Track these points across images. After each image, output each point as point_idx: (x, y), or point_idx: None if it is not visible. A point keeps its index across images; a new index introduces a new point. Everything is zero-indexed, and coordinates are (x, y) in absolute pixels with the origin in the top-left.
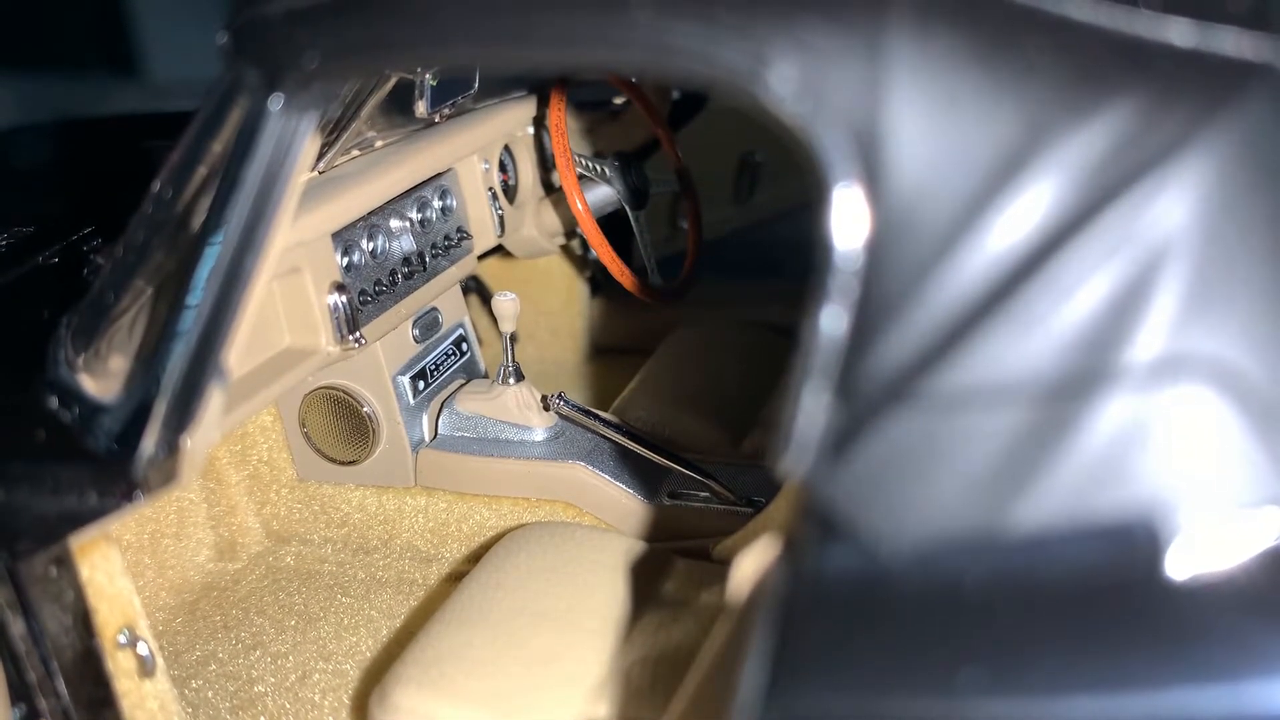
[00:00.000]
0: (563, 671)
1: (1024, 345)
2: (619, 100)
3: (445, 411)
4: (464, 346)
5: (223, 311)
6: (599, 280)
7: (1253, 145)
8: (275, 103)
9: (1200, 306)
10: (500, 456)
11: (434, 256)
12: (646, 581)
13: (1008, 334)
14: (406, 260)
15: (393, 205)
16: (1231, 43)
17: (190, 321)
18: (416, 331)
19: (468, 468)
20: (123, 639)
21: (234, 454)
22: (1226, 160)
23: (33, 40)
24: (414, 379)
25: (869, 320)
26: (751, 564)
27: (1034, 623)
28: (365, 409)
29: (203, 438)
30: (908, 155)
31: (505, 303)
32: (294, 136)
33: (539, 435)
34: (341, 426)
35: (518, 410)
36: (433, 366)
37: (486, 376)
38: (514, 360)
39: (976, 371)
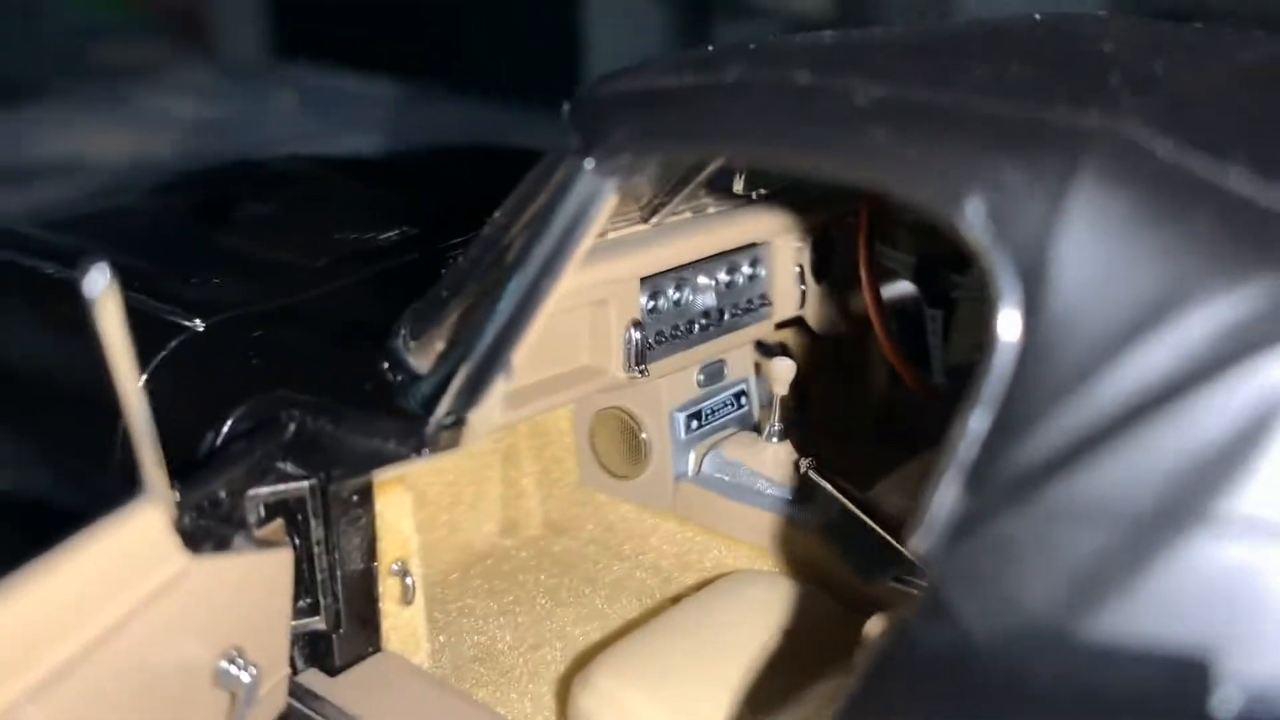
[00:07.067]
0: (730, 695)
1: (1137, 474)
2: None
3: (711, 453)
4: (743, 400)
5: (517, 322)
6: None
7: None
8: (587, 165)
9: (1200, 495)
10: (749, 504)
11: (733, 315)
12: (838, 646)
13: (1126, 461)
14: (706, 314)
15: (704, 264)
16: None
17: (491, 326)
18: (701, 377)
19: (718, 507)
20: (395, 568)
21: (534, 448)
22: None
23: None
24: (689, 418)
25: (1009, 426)
26: (877, 626)
27: None
28: (643, 435)
29: (484, 416)
30: (1067, 291)
31: (779, 365)
32: (596, 196)
33: (787, 493)
34: (621, 445)
35: (773, 467)
36: (709, 410)
37: (759, 431)
38: (780, 421)
39: (1089, 489)
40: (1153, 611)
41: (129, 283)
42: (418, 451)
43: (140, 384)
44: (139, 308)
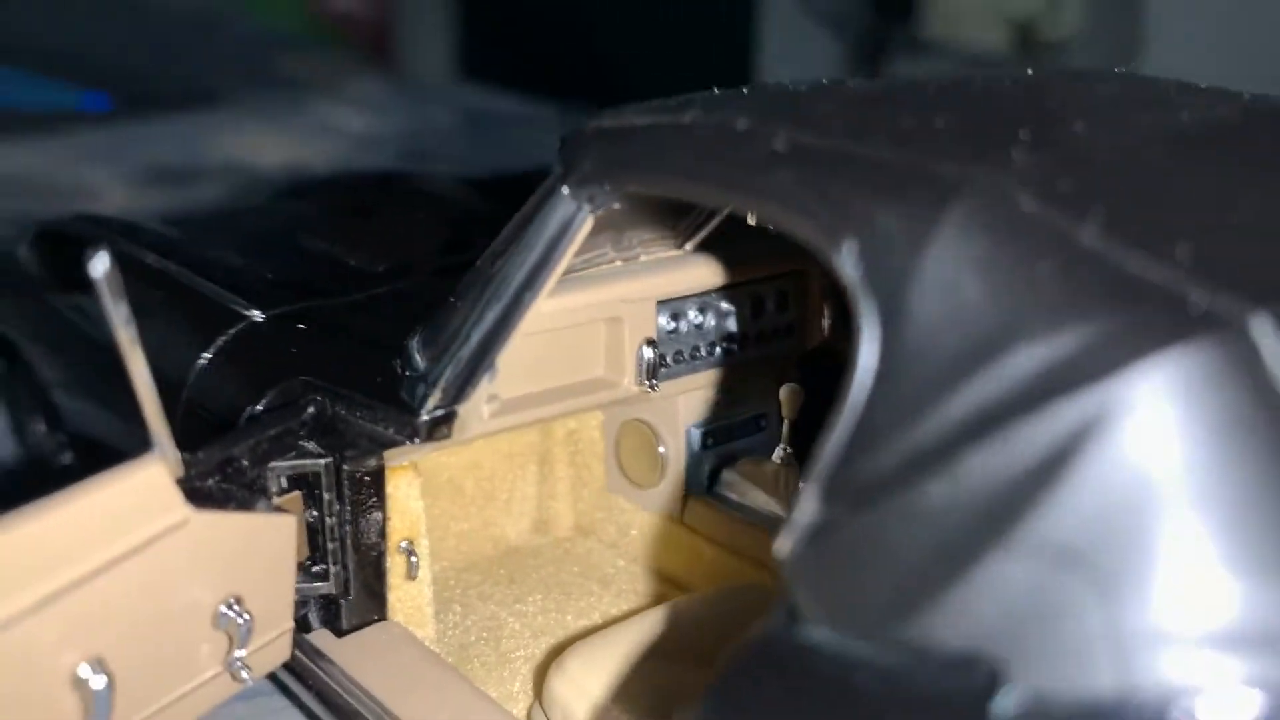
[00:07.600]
0: (691, 693)
1: (958, 494)
2: None
3: (724, 471)
4: (761, 423)
5: (500, 329)
6: None
7: (1193, 391)
8: (563, 191)
9: (1004, 518)
10: (754, 522)
11: (757, 341)
12: None
13: (950, 481)
14: (728, 338)
15: (730, 290)
16: (1202, 296)
17: (478, 332)
18: (720, 397)
19: (726, 522)
20: (403, 546)
21: (567, 453)
22: (1162, 398)
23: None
24: (705, 435)
25: (861, 442)
26: (758, 624)
27: None
28: (660, 448)
29: (472, 411)
30: (920, 326)
31: (788, 391)
32: (572, 219)
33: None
34: (641, 456)
35: (778, 489)
36: (726, 430)
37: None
38: (788, 445)
39: (917, 505)
40: (958, 621)
41: (212, 275)
42: (411, 439)
43: (138, 345)
44: (213, 297)
